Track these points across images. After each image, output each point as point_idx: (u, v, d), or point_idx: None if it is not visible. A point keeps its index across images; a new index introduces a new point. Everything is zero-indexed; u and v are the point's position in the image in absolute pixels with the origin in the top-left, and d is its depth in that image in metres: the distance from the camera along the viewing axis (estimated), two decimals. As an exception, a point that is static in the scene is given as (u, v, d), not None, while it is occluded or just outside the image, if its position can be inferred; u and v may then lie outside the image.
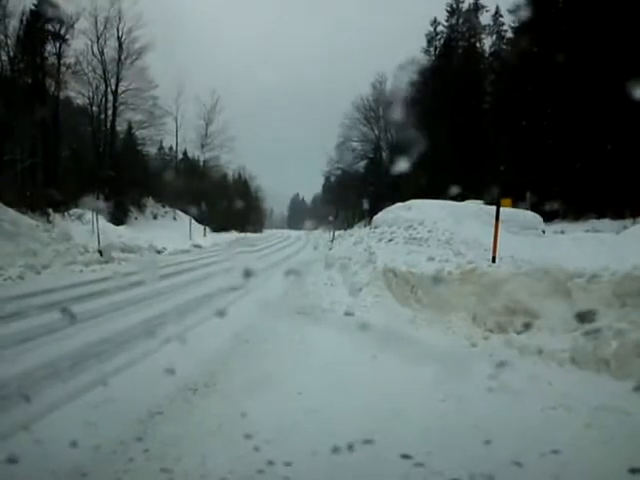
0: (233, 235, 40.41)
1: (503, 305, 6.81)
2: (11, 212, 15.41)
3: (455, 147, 30.24)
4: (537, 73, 22.13)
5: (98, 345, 5.60)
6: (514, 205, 13.17)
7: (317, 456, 2.89)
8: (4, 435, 3.05)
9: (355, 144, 45.08)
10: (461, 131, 30.16)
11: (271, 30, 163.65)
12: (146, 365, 4.89)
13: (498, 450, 3.03)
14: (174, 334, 5.78)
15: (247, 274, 9.05)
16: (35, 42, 26.45)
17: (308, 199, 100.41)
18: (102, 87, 32.92)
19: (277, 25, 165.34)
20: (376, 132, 44.45)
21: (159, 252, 21.02)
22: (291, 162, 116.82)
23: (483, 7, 38.59)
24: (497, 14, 37.47)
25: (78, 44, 30.14)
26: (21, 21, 25.42)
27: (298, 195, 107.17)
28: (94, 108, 33.16)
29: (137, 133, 37.06)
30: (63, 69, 28.92)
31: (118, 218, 28.76)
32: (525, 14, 27.39)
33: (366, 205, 36.05)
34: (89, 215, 22.11)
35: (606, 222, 18.97)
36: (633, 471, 2.63)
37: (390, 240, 10.93)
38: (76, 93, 31.73)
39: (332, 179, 51.90)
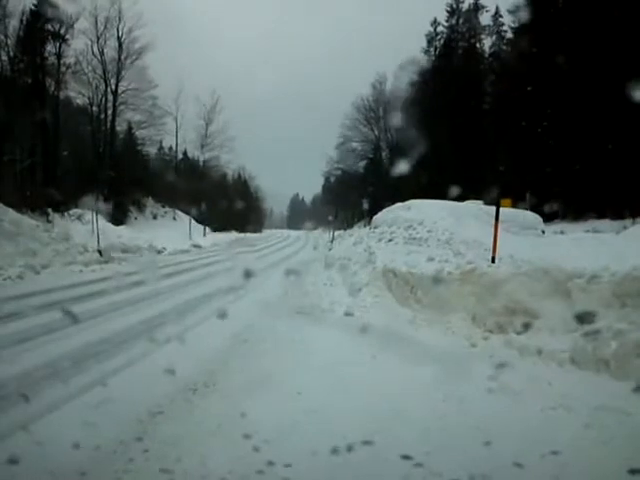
0: (233, 235, 40.38)
1: (503, 305, 6.82)
2: (11, 212, 15.39)
3: (455, 147, 30.25)
4: (537, 73, 22.12)
5: (97, 345, 5.60)
6: (514, 205, 13.19)
7: (317, 456, 2.88)
8: (3, 435, 3.05)
9: (355, 144, 45.19)
10: (461, 131, 30.16)
11: (271, 30, 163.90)
12: (146, 365, 4.88)
13: (498, 450, 3.03)
14: (173, 334, 5.77)
15: (246, 274, 9.01)
16: (35, 42, 26.44)
17: (308, 199, 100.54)
18: (102, 87, 32.95)
19: (277, 25, 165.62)
20: (376, 132, 44.51)
21: (159, 252, 21.02)
22: (291, 162, 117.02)
23: (483, 7, 38.69)
24: (497, 14, 37.57)
25: (78, 44, 30.19)
26: (21, 21, 25.46)
27: (298, 195, 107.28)
28: (94, 108, 33.19)
29: (137, 133, 37.12)
30: (63, 69, 28.93)
31: (118, 218, 28.77)
32: (525, 14, 27.43)
33: (366, 205, 36.07)
34: (89, 215, 22.14)
35: (606, 222, 18.96)
36: (633, 472, 2.63)
37: (390, 240, 10.93)
38: (76, 93, 31.77)
39: (332, 179, 51.97)
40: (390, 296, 8.41)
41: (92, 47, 31.91)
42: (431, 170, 27.30)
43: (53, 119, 27.22)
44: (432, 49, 39.93)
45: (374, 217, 13.57)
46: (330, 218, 38.50)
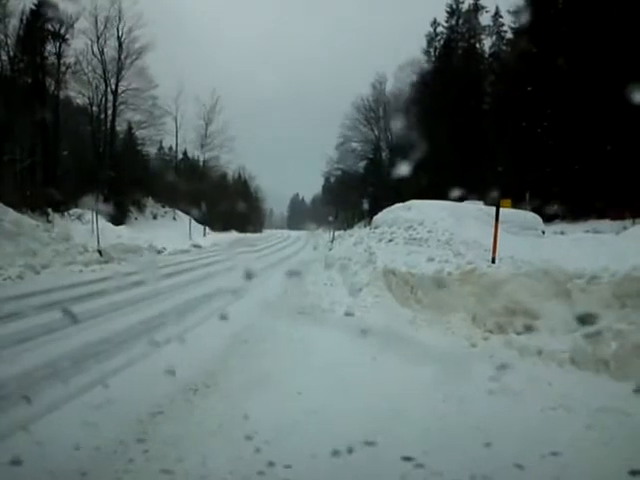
0: (233, 235, 40.38)
1: (503, 306, 6.81)
2: (11, 212, 15.39)
3: (455, 147, 30.25)
4: (537, 74, 22.14)
5: (97, 345, 5.59)
6: (514, 206, 13.18)
7: (317, 457, 2.88)
8: (3, 436, 3.04)
9: (355, 144, 45.15)
10: (461, 132, 30.16)
11: (271, 30, 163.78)
12: (146, 365, 4.87)
13: (498, 451, 3.03)
14: (174, 334, 5.77)
15: (247, 274, 9.08)
16: (35, 42, 26.47)
17: (308, 199, 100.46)
18: (102, 87, 32.95)
19: (277, 25, 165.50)
20: (376, 132, 44.48)
21: (159, 252, 20.99)
22: (291, 162, 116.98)
23: (483, 8, 38.65)
24: (497, 15, 37.56)
25: (78, 44, 30.20)
26: (21, 21, 25.50)
27: (298, 195, 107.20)
28: (94, 108, 33.18)
29: (137, 133, 37.11)
30: (63, 69, 28.96)
31: (118, 218, 28.75)
32: (525, 15, 27.44)
33: (366, 205, 36.04)
34: (89, 215, 22.16)
35: (606, 223, 18.97)
36: (633, 473, 2.64)
37: (390, 240, 10.94)
38: (76, 93, 31.79)
39: (332, 179, 51.94)
40: (390, 296, 8.41)
41: (92, 47, 31.97)
42: (431, 170, 27.32)
43: (53, 119, 27.22)
44: (432, 49, 39.99)
45: (374, 217, 13.57)
46: (330, 218, 38.49)
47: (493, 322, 6.72)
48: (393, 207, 12.88)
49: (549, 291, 6.60)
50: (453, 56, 38.14)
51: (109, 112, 33.62)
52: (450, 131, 30.52)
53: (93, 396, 3.91)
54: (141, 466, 2.94)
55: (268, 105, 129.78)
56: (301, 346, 5.90)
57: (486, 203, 12.08)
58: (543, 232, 12.52)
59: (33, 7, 25.96)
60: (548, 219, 17.12)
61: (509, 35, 34.79)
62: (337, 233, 29.99)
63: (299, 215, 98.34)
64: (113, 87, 33.27)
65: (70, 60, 29.67)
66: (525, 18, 27.48)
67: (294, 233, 56.26)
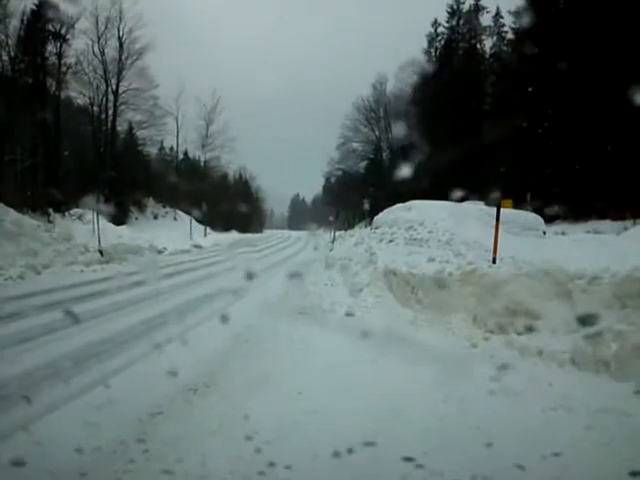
0: (233, 235, 40.34)
1: (503, 306, 6.81)
2: (12, 212, 15.41)
3: (455, 148, 30.19)
4: (538, 74, 22.12)
5: (98, 345, 5.60)
6: (515, 206, 13.18)
7: (317, 457, 2.88)
8: (3, 436, 3.05)
9: (356, 145, 45.14)
10: (461, 132, 30.12)
11: (271, 30, 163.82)
12: (146, 365, 4.87)
13: (499, 452, 3.03)
14: (174, 334, 5.77)
15: (247, 274, 9.08)
16: (36, 42, 26.47)
17: (308, 199, 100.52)
18: (103, 87, 32.99)
19: (277, 25, 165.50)
20: (377, 133, 44.46)
21: (160, 252, 21.01)
22: (291, 162, 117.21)
23: (484, 8, 38.66)
24: (498, 15, 37.57)
25: (79, 44, 30.22)
26: (22, 21, 25.49)
27: (298, 196, 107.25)
28: (95, 108, 33.21)
29: (138, 133, 37.15)
30: (64, 69, 28.97)
31: (119, 218, 28.74)
32: (526, 16, 27.43)
33: (367, 206, 36.02)
34: (90, 215, 22.16)
35: (607, 223, 18.97)
36: (634, 474, 2.63)
37: (391, 241, 10.94)
38: (77, 93, 31.81)
39: (333, 180, 51.93)
40: (391, 296, 8.41)
41: (93, 47, 32.03)
42: (432, 171, 27.28)
43: (54, 119, 27.21)
44: (433, 50, 39.99)
45: (375, 218, 13.57)
46: (331, 219, 38.48)
47: (494, 322, 6.71)
48: (394, 207, 12.88)
49: (550, 291, 6.59)
50: (454, 56, 38.12)
51: (110, 112, 33.68)
52: (451, 131, 30.49)
53: (94, 396, 3.91)
54: (141, 466, 2.94)
55: (268, 105, 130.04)
56: (302, 346, 5.89)
57: (487, 203, 12.07)
58: (544, 232, 12.52)
59: (34, 7, 25.97)
60: (549, 220, 17.11)
61: (510, 36, 34.85)
62: (338, 233, 29.97)
63: (300, 215, 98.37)
64: (114, 87, 33.35)
65: (71, 60, 29.76)
66: (526, 19, 27.46)
67: (295, 233, 56.25)
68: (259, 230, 59.14)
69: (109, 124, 33.84)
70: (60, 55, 28.42)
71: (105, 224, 21.67)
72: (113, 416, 3.52)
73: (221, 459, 2.97)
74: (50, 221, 21.05)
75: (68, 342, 5.49)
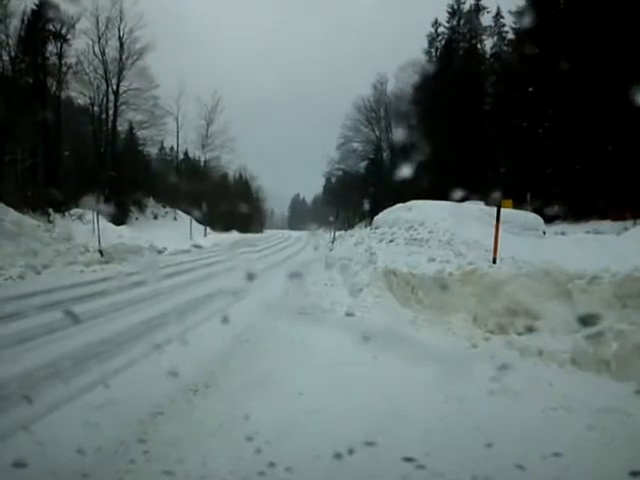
0: (234, 235, 40.32)
1: (504, 306, 6.80)
2: (12, 212, 15.42)
3: (456, 148, 30.24)
4: (538, 74, 22.11)
5: (98, 345, 5.60)
6: (515, 206, 13.18)
7: (318, 457, 2.88)
8: (4, 436, 3.05)
9: (356, 145, 45.12)
10: (462, 132, 30.15)
11: (271, 30, 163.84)
12: (147, 365, 4.88)
13: (499, 452, 3.03)
14: (175, 334, 5.77)
15: (248, 274, 9.10)
16: (36, 42, 26.46)
17: (309, 199, 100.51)
18: (103, 87, 32.97)
19: (277, 25, 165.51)
20: (377, 133, 44.46)
21: (160, 252, 21.01)
22: (291, 162, 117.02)
23: (484, 8, 38.63)
24: (498, 15, 37.54)
25: (79, 44, 30.20)
26: (22, 21, 25.47)
27: (299, 196, 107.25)
28: (95, 108, 33.20)
29: (138, 133, 37.17)
30: (64, 69, 28.96)
31: (119, 218, 28.75)
32: (526, 16, 27.43)
33: (367, 206, 36.04)
34: (90, 215, 22.16)
35: (607, 223, 18.97)
36: (634, 474, 2.63)
37: (391, 241, 10.94)
38: (77, 93, 31.81)
39: (333, 180, 51.92)
40: (391, 296, 8.41)
41: (93, 47, 32.01)
42: (432, 171, 27.30)
43: (54, 119, 27.20)
44: (433, 50, 39.98)
45: (375, 218, 13.58)
46: (331, 219, 38.47)
47: (494, 322, 6.71)
48: (394, 207, 12.89)
49: (550, 291, 6.59)
50: (454, 56, 38.10)
51: (110, 112, 33.67)
52: (451, 131, 30.52)
53: (94, 396, 3.91)
54: (142, 466, 2.94)
55: (268, 105, 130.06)
56: (302, 346, 5.89)
57: (487, 203, 12.08)
58: (544, 233, 12.52)
59: (34, 7, 25.96)
60: (549, 220, 17.12)
61: (510, 36, 34.84)
62: (338, 233, 29.97)
63: (300, 215, 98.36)
64: (114, 87, 33.34)
65: (71, 60, 29.74)
66: (526, 19, 27.46)
67: (295, 233, 56.25)
68: (259, 230, 59.13)
69: (109, 124, 33.85)
70: (61, 55, 28.44)
71: (105, 224, 21.67)
72: (114, 416, 3.52)
73: (221, 459, 2.97)
74: (50, 221, 21.05)
75: (68, 342, 5.49)
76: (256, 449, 2.98)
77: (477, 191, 14.67)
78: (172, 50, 64.04)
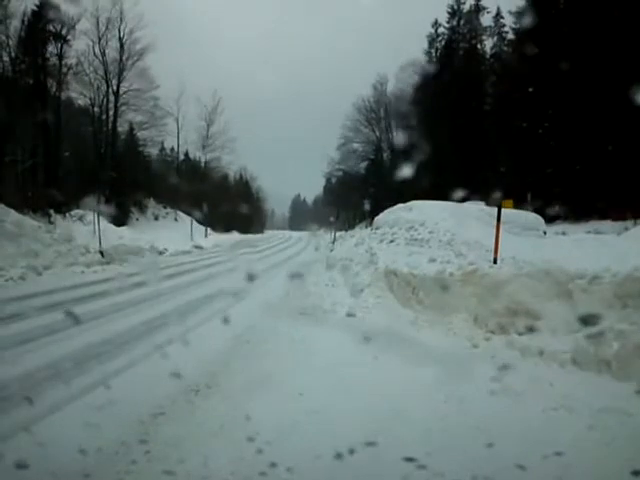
0: (234, 236, 40.40)
1: (504, 306, 6.80)
2: (13, 213, 15.42)
3: (456, 148, 30.24)
4: (538, 74, 22.11)
5: (99, 346, 5.60)
6: (515, 206, 13.17)
7: (319, 458, 2.88)
8: (5, 436, 3.05)
9: (356, 145, 45.14)
10: (462, 132, 30.15)
11: (271, 30, 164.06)
12: (147, 366, 4.88)
13: (500, 452, 3.03)
14: (175, 335, 5.77)
15: (248, 275, 9.10)
16: (37, 43, 26.47)
17: (309, 200, 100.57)
18: (103, 88, 32.95)
19: (277, 25, 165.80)
20: (377, 133, 44.47)
21: (160, 253, 21.01)
22: (292, 163, 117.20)
23: (484, 9, 38.63)
24: (498, 15, 37.54)
25: (79, 45, 30.21)
26: (22, 22, 25.46)
27: (299, 196, 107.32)
28: (95, 109, 33.19)
29: (138, 134, 37.15)
30: (64, 70, 28.96)
31: (119, 219, 28.77)
32: (526, 16, 27.43)
33: (367, 206, 35.98)
34: (90, 216, 22.18)
35: (607, 223, 18.97)
36: (636, 473, 2.63)
37: (391, 241, 10.95)
38: (77, 94, 31.78)
39: (333, 180, 51.93)
40: (392, 297, 8.41)
41: (93, 48, 31.99)
42: (432, 171, 27.30)
43: (54, 120, 27.19)
44: (433, 50, 39.98)
45: (376, 218, 13.58)
46: (332, 219, 38.51)
47: (495, 323, 6.71)
48: (394, 208, 12.90)
49: (551, 291, 6.59)
50: (454, 57, 38.10)
51: (110, 113, 33.66)
52: (451, 132, 30.52)
53: (95, 397, 3.92)
54: (143, 467, 2.94)
55: (268, 105, 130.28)
56: (302, 347, 5.90)
57: (488, 204, 12.08)
58: (545, 233, 12.53)
59: (34, 8, 25.97)
60: (550, 220, 17.11)
61: (510, 36, 34.85)
62: (338, 234, 29.98)
63: (301, 216, 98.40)
64: (114, 88, 33.33)
65: (71, 61, 29.74)
66: (526, 19, 27.46)
67: (295, 234, 56.26)
68: (260, 231, 59.16)
69: (110, 125, 33.85)
70: (61, 56, 28.44)
71: (106, 225, 21.71)
72: (115, 417, 3.52)
73: (223, 460, 2.98)
74: (51, 222, 21.05)
75: (69, 343, 5.49)
76: (257, 449, 2.98)
77: (478, 191, 14.69)
78: (172, 51, 64.29)
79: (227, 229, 42.26)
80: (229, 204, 41.86)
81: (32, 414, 3.49)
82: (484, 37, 38.76)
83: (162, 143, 41.99)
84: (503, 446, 3.11)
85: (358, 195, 40.76)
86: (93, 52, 31.97)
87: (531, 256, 7.80)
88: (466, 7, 38.87)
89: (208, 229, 36.46)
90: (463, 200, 13.50)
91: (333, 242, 25.75)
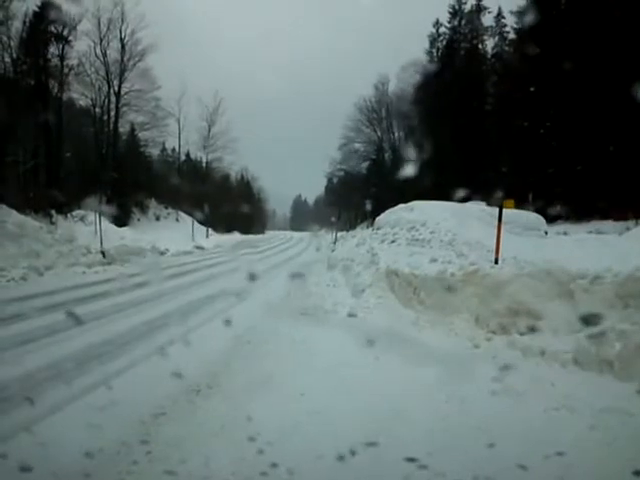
0: (236, 237, 40.40)
1: (506, 306, 6.80)
2: (14, 213, 15.45)
3: (458, 148, 30.22)
4: (539, 74, 22.11)
5: (101, 346, 5.61)
6: (517, 206, 13.16)
7: (320, 458, 2.88)
8: (6, 437, 3.05)
9: (358, 145, 45.12)
10: (463, 132, 30.13)
11: (271, 30, 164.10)
12: (149, 366, 4.88)
13: (501, 452, 3.03)
14: (177, 335, 5.77)
15: (250, 275, 9.10)
16: (38, 44, 26.48)
17: (311, 200, 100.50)
18: (105, 88, 32.93)
19: (277, 25, 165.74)
20: (379, 133, 44.44)
21: (162, 253, 21.01)
22: (293, 163, 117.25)
23: (485, 8, 38.56)
24: (499, 15, 37.49)
25: (81, 46, 30.20)
26: (24, 23, 25.47)
27: (300, 196, 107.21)
28: (97, 109, 33.19)
29: (140, 134, 37.11)
30: (66, 71, 28.94)
31: (121, 219, 28.76)
32: (528, 16, 27.42)
33: (369, 206, 35.97)
34: (92, 216, 22.17)
35: (609, 224, 18.94)
36: (637, 473, 2.63)
37: (393, 241, 10.95)
38: (79, 95, 31.78)
39: (334, 180, 51.92)
40: (393, 297, 8.41)
41: (95, 49, 31.98)
42: (434, 171, 27.28)
43: (56, 121, 27.20)
44: (434, 50, 39.90)
45: (377, 218, 13.58)
46: (333, 219, 38.53)
47: (496, 323, 6.70)
48: (396, 208, 12.89)
49: (552, 292, 6.58)
50: (456, 57, 38.06)
51: (112, 114, 33.65)
52: (453, 132, 30.50)
53: (96, 397, 3.92)
54: (144, 467, 2.94)
55: (269, 105, 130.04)
56: (304, 347, 5.89)
57: (489, 204, 12.07)
58: (546, 233, 12.52)
59: (36, 9, 25.97)
60: (551, 220, 17.08)
61: (512, 36, 34.82)
62: (340, 234, 30.00)
63: (302, 216, 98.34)
64: (116, 89, 33.32)
65: (73, 62, 29.71)
66: (528, 19, 27.43)
67: (297, 234, 56.24)
68: (261, 231, 59.15)
69: (111, 125, 33.85)
70: (62, 57, 28.43)
71: (107, 225, 21.72)
72: (116, 417, 3.52)
73: (224, 460, 2.98)
74: (52, 222, 21.04)
75: (70, 344, 5.49)
76: (258, 450, 2.98)
77: (479, 191, 14.68)
78: (173, 51, 64.34)
79: (228, 229, 42.28)
80: (230, 204, 41.90)
81: (33, 414, 3.49)
82: (485, 37, 38.77)
83: (163, 144, 42.13)
84: (504, 446, 3.11)
85: (359, 195, 40.76)
86: (94, 53, 32.02)
87: (532, 256, 7.80)
88: (467, 7, 38.89)
89: (209, 229, 36.45)
90: (464, 200, 13.50)
91: (334, 242, 25.76)
